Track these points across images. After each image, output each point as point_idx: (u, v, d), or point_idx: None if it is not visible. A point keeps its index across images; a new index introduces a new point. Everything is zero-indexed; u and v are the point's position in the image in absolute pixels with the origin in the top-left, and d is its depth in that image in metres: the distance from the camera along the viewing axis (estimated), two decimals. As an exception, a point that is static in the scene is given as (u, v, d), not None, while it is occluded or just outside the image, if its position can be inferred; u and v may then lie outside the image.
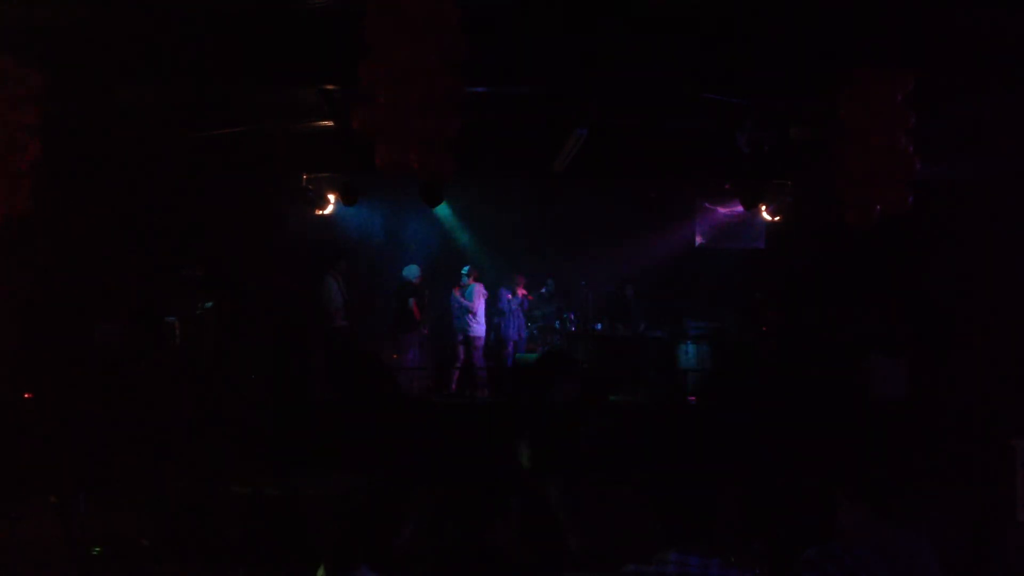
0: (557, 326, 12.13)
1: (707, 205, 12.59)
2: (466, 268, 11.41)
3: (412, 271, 11.30)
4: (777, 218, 11.61)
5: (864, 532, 2.93)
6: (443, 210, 11.88)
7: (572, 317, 12.08)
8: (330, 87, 7.93)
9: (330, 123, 9.12)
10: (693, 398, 10.24)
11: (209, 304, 10.73)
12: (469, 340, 11.33)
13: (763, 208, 11.46)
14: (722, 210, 12.48)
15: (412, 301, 11.09)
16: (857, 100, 6.48)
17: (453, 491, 3.05)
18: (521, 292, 11.54)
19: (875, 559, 2.63)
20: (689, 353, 11.33)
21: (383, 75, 5.25)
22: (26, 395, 8.51)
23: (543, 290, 12.33)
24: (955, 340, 9.39)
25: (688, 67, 7.25)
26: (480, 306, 11.35)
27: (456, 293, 11.45)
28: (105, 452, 7.61)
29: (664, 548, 2.66)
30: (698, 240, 12.86)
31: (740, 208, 11.23)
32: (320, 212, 11.51)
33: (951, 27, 6.61)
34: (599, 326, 11.89)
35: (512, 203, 12.27)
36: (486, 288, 11.49)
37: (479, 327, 11.33)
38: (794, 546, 2.97)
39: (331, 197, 11.36)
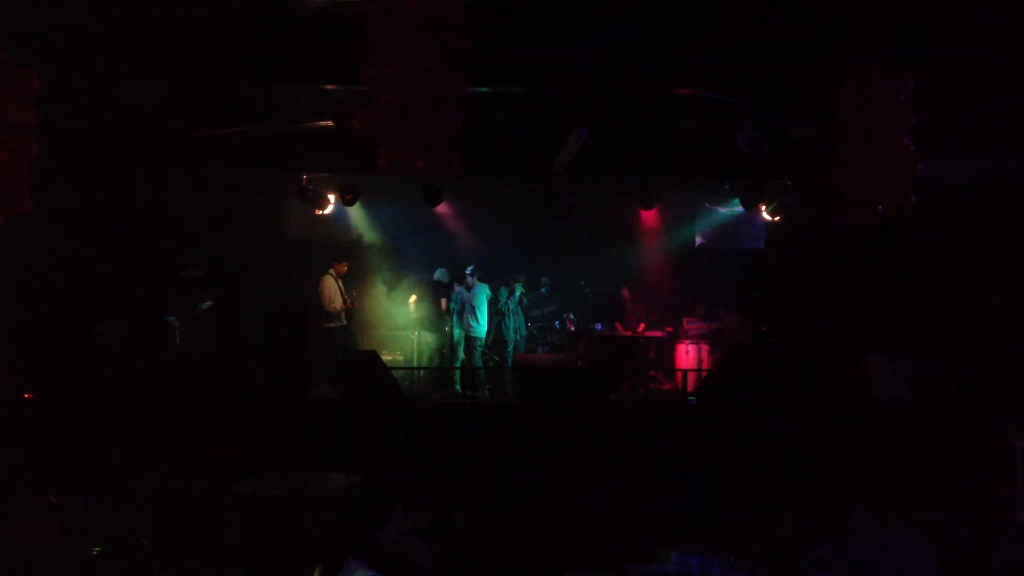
0: (557, 326, 12.13)
1: (707, 205, 12.60)
2: (470, 268, 11.43)
3: (442, 273, 11.61)
4: (777, 218, 11.61)
5: (866, 532, 2.92)
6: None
7: (572, 317, 12.09)
8: (330, 87, 7.93)
9: (330, 123, 9.13)
10: (693, 398, 10.24)
11: (209, 304, 10.74)
12: (470, 340, 11.34)
13: (763, 208, 11.46)
14: (722, 210, 12.48)
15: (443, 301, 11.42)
16: (857, 100, 6.46)
17: (451, 490, 3.05)
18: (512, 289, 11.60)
19: (882, 558, 2.63)
20: (689, 353, 11.33)
21: (384, 74, 5.24)
22: (26, 395, 8.51)
23: (542, 290, 12.33)
24: (956, 340, 9.40)
25: (688, 67, 7.24)
26: (482, 306, 11.36)
27: (457, 292, 11.45)
28: (105, 452, 7.61)
29: (665, 548, 2.66)
30: (698, 240, 12.86)
31: (740, 208, 11.24)
32: (320, 212, 11.51)
33: (951, 27, 6.62)
34: (599, 326, 11.89)
35: (512, 203, 12.27)
36: (483, 288, 11.49)
37: (480, 327, 11.34)
38: (795, 546, 2.97)
39: (331, 197, 11.36)
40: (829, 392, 9.14)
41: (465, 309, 11.32)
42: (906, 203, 6.49)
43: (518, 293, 11.72)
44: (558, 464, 7.90)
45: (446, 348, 11.64)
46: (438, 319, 11.57)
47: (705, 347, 11.28)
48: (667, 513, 2.71)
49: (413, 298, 11.59)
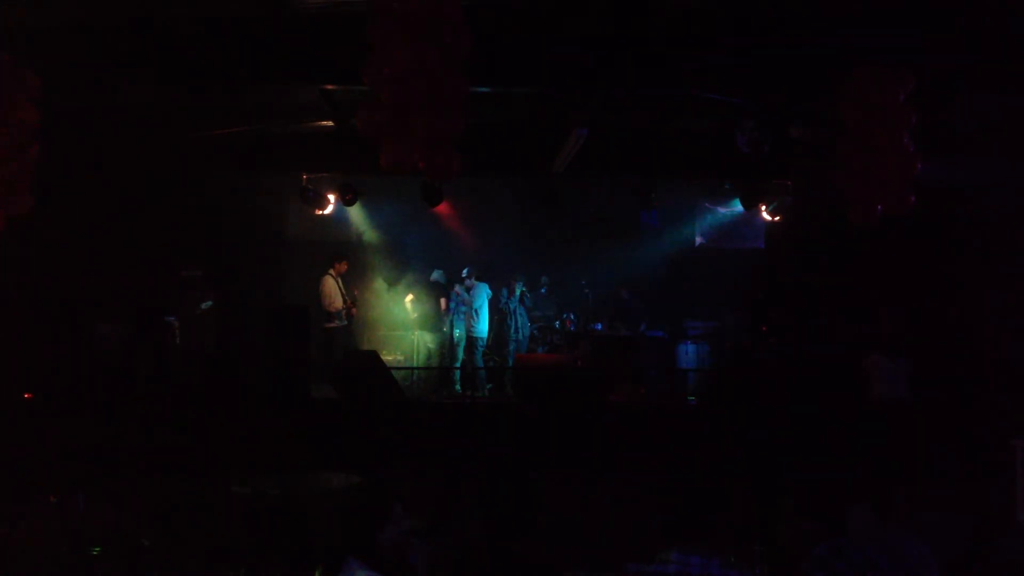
0: (557, 326, 12.14)
1: (707, 205, 12.60)
2: (466, 270, 11.43)
3: (439, 274, 11.60)
4: (777, 218, 11.61)
5: (865, 532, 2.93)
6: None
7: (572, 317, 12.09)
8: (330, 87, 7.93)
9: (330, 123, 9.13)
10: (693, 398, 10.24)
11: (209, 304, 10.75)
12: (471, 340, 11.34)
13: (763, 208, 11.46)
14: (722, 210, 12.49)
15: (443, 301, 11.44)
16: (857, 100, 6.47)
17: (451, 490, 3.05)
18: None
19: (881, 558, 2.63)
20: (689, 353, 11.33)
21: (386, 75, 5.24)
22: (26, 395, 8.51)
23: (542, 290, 12.33)
24: (956, 341, 9.39)
25: (688, 67, 7.25)
26: (483, 306, 11.36)
27: (457, 293, 11.45)
28: (105, 452, 7.61)
29: (665, 548, 2.67)
30: (698, 240, 12.86)
31: (740, 208, 11.24)
32: (320, 212, 11.51)
33: (951, 27, 6.62)
34: (599, 326, 11.89)
35: (512, 203, 12.27)
36: (483, 288, 11.50)
37: (481, 327, 11.34)
38: (795, 546, 2.97)
39: (331, 197, 11.36)
40: (829, 392, 9.13)
41: (466, 309, 11.32)
42: (906, 203, 6.49)
43: (518, 292, 11.72)
44: (558, 464, 7.89)
45: (446, 348, 11.64)
46: (438, 319, 11.57)
47: (705, 347, 11.29)
48: (667, 513, 2.71)
49: (409, 297, 11.59)
